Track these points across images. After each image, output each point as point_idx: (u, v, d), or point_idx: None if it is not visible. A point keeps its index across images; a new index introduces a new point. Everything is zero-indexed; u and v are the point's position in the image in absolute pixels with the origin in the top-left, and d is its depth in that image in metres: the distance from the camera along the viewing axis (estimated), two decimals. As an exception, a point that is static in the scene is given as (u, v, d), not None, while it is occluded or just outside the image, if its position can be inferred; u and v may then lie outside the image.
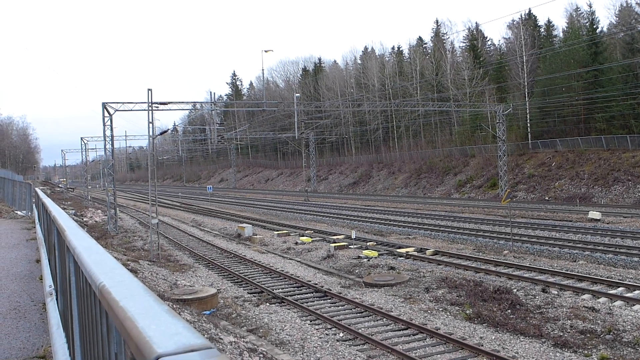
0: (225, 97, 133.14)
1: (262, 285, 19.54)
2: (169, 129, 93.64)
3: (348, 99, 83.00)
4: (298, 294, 18.36)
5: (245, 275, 21.61)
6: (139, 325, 1.29)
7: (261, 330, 14.20)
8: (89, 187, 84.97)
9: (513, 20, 75.94)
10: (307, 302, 17.11)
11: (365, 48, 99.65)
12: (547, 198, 49.00)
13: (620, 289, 16.96)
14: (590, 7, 63.47)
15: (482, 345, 12.51)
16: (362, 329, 14.12)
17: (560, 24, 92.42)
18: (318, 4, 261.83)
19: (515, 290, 16.67)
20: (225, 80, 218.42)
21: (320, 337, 13.53)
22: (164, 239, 32.83)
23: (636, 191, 43.32)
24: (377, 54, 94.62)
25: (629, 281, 17.69)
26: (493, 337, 13.22)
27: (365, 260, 23.08)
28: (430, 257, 23.77)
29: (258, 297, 18.28)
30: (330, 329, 14.38)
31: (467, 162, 64.27)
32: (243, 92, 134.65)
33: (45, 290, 6.94)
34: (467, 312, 15.14)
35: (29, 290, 9.09)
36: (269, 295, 18.27)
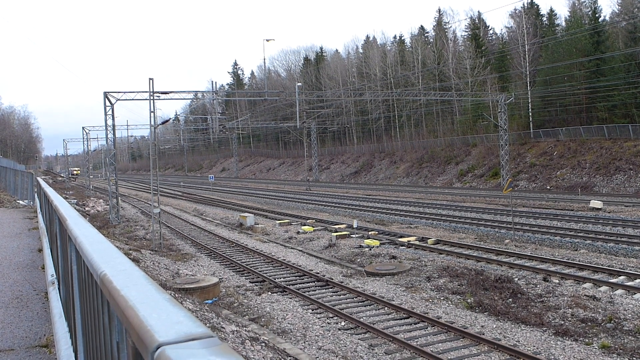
0: (226, 87, 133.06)
1: (264, 275, 19.60)
2: (170, 119, 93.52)
3: (350, 88, 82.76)
4: (300, 283, 18.42)
5: (247, 265, 21.67)
6: (140, 314, 1.29)
7: (263, 319, 14.25)
8: (91, 176, 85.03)
9: (515, 9, 75.65)
10: (308, 291, 17.17)
11: (367, 37, 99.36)
12: (548, 187, 48.95)
13: (621, 277, 16.98)
14: (593, -5, 63.02)
15: (484, 334, 12.56)
16: (364, 318, 14.17)
17: (563, 13, 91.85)
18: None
19: (516, 279, 16.71)
20: (227, 70, 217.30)
21: (322, 326, 13.58)
22: (166, 229, 32.89)
23: (637, 180, 43.24)
24: (378, 43, 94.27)
25: (630, 270, 17.71)
26: (494, 326, 13.26)
27: (366, 249, 23.11)
28: (432, 246, 23.81)
29: (260, 286, 18.33)
30: (331, 318, 14.44)
31: (468, 152, 64.18)
32: (244, 82, 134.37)
33: (47, 279, 6.96)
34: (469, 301, 15.18)
35: (31, 280, 9.12)
36: (270, 284, 18.33)
